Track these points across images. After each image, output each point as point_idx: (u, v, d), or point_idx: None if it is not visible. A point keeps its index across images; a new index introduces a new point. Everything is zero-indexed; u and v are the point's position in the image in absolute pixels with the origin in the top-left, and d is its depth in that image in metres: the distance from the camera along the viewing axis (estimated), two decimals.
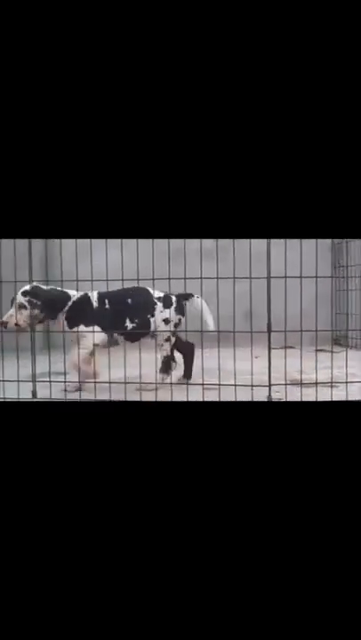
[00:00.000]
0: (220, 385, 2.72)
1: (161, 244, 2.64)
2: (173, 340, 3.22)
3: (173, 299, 3.23)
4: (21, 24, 1.53)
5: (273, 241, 2.48)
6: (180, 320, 3.24)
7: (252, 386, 2.76)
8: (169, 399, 2.64)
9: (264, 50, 1.55)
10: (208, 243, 2.87)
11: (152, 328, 3.17)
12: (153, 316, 3.20)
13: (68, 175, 1.61)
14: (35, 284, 3.09)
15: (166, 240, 2.34)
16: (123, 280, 3.14)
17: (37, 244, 3.40)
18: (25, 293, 3.02)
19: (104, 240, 3.09)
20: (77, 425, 1.54)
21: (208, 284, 2.80)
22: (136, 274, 2.84)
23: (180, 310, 3.25)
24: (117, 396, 2.69)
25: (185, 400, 2.47)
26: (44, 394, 2.80)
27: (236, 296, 2.67)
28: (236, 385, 2.67)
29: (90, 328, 3.02)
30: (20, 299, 3.00)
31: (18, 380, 2.73)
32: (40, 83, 1.57)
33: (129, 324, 3.15)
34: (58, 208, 1.64)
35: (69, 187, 1.62)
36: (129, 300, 3.19)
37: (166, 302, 3.21)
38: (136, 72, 1.57)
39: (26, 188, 1.61)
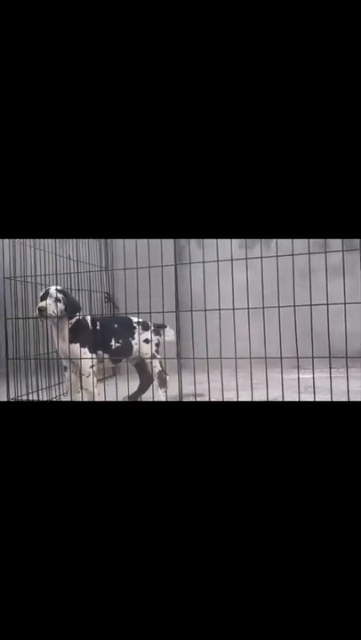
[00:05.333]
0: None
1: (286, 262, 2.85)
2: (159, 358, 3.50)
3: (150, 324, 3.51)
4: (21, 24, 1.51)
5: None
6: (158, 341, 3.54)
7: None
8: None
9: (264, 50, 1.51)
10: (336, 258, 2.98)
11: (134, 349, 3.47)
12: (134, 338, 3.48)
13: (68, 175, 1.58)
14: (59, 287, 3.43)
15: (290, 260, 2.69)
16: (248, 308, 2.75)
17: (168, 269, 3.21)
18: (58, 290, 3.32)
19: (230, 263, 2.93)
20: (77, 425, 1.51)
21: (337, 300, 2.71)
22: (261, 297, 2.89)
23: (157, 333, 3.55)
24: None
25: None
26: None
27: None
28: None
29: (85, 349, 3.31)
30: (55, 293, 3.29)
31: None
32: (41, 85, 1.53)
33: (114, 344, 3.44)
34: (57, 208, 1.60)
35: (69, 186, 1.58)
36: (115, 325, 3.49)
37: (144, 326, 3.52)
38: (139, 75, 1.53)
39: (26, 188, 1.58)
